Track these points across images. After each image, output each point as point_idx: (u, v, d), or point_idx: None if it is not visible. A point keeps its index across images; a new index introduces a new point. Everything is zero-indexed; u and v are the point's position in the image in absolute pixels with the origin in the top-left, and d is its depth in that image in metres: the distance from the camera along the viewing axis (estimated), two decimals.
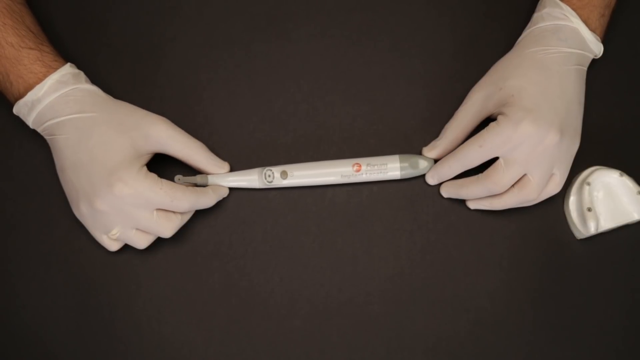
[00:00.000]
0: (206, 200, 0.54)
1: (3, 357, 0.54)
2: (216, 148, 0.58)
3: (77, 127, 0.52)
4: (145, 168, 0.53)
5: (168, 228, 0.53)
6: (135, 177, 0.51)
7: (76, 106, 0.52)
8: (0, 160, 0.58)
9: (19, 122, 0.57)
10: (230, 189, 0.57)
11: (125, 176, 0.51)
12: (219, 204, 0.57)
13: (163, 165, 0.57)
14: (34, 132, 0.55)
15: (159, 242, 0.56)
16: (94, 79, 0.56)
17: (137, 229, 0.53)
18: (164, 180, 0.52)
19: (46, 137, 0.54)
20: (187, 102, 0.59)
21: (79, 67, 0.55)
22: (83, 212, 0.52)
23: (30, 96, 0.52)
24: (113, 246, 0.54)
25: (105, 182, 0.51)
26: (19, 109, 0.53)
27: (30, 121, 0.53)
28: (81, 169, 0.52)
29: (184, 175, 0.54)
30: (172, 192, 0.52)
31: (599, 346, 0.55)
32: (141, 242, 0.54)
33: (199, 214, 0.57)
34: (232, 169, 0.57)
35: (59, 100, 0.52)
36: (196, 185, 0.55)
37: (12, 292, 0.55)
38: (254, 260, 0.56)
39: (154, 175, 0.52)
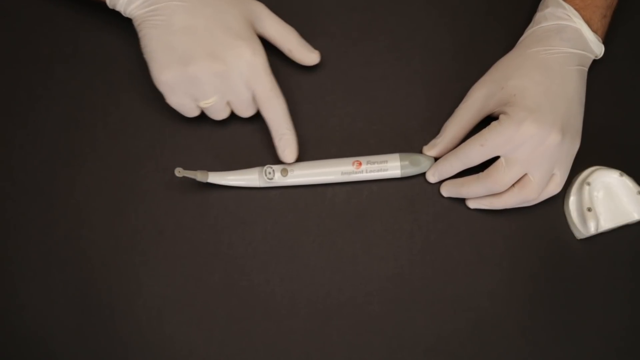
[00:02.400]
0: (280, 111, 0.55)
1: (3, 357, 0.54)
2: (216, 148, 0.58)
3: (186, 4, 0.52)
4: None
5: (248, 111, 0.55)
6: (259, 47, 0.53)
7: None
8: (0, 160, 0.58)
9: (19, 122, 0.57)
10: (231, 188, 0.57)
11: (251, 42, 0.52)
12: (218, 204, 0.57)
13: (163, 160, 0.57)
14: (34, 130, 0.55)
15: (159, 242, 0.56)
16: (95, 81, 0.56)
17: (229, 100, 0.54)
18: None
19: (145, 9, 0.53)
20: None
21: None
22: (183, 74, 0.52)
23: None
24: (194, 112, 0.55)
25: (231, 45, 0.52)
26: None
27: (132, 5, 0.53)
28: (197, 32, 0.52)
29: (184, 168, 0.54)
30: (275, 83, 0.54)
31: (599, 346, 0.55)
32: (224, 115, 0.56)
33: (199, 214, 0.57)
34: (231, 169, 0.57)
35: None
36: (196, 180, 0.55)
37: (12, 292, 0.55)
38: (254, 260, 0.56)
39: None
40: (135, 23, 0.54)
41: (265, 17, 0.56)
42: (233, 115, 0.59)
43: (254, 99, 0.54)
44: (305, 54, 0.57)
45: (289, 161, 0.56)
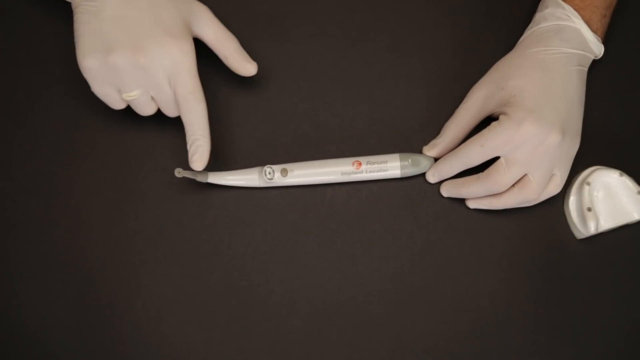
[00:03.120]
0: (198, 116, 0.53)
1: (3, 357, 0.54)
2: (216, 148, 0.58)
3: None
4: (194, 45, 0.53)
5: (172, 110, 0.54)
6: (189, 47, 0.52)
7: None
8: (0, 160, 0.58)
9: (19, 122, 0.57)
10: (230, 188, 0.57)
11: (180, 40, 0.51)
12: (218, 204, 0.57)
13: (162, 160, 0.57)
14: (32, 132, 0.55)
15: (158, 242, 0.56)
16: None
17: (152, 96, 0.53)
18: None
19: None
20: None
21: None
22: (105, 62, 0.51)
23: None
24: (119, 105, 0.54)
25: (159, 39, 0.51)
26: None
27: None
28: (127, 22, 0.51)
29: (183, 169, 0.54)
30: (198, 86, 0.52)
31: (599, 346, 0.55)
32: (149, 110, 0.54)
33: (198, 214, 0.57)
34: (231, 169, 0.57)
35: None
36: (196, 180, 0.55)
37: (12, 292, 0.55)
38: (254, 260, 0.56)
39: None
40: (72, 7, 0.53)
41: (205, 19, 0.54)
42: (233, 115, 0.59)
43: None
44: (241, 63, 0.56)
45: (198, 168, 0.54)
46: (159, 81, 0.52)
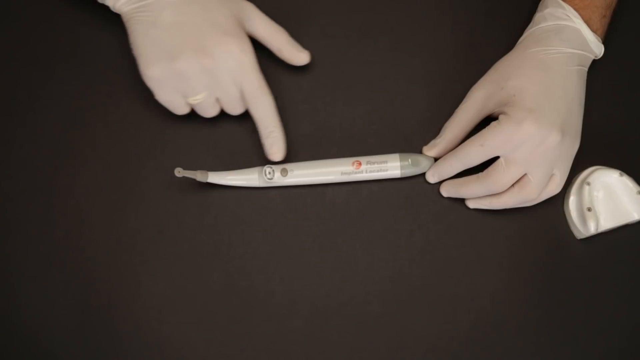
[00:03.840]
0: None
1: (3, 357, 0.54)
2: (216, 148, 0.58)
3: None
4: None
5: (237, 108, 0.55)
6: (248, 44, 0.53)
7: None
8: (0, 160, 0.58)
9: (19, 122, 0.57)
10: (230, 188, 0.57)
11: (239, 39, 0.52)
12: (218, 204, 0.57)
13: (163, 160, 0.57)
14: (34, 130, 0.55)
15: (158, 242, 0.56)
16: (95, 81, 0.56)
17: (217, 97, 0.54)
18: None
19: (133, 5, 0.53)
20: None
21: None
22: (171, 70, 0.52)
23: None
24: (184, 110, 0.55)
25: (220, 41, 0.52)
26: None
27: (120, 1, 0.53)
28: (185, 27, 0.52)
29: (183, 168, 0.54)
30: (263, 81, 0.54)
31: (599, 346, 0.55)
32: (213, 112, 0.55)
33: (199, 214, 0.57)
34: (231, 169, 0.57)
35: None
36: (196, 180, 0.55)
37: (12, 292, 0.55)
38: (254, 260, 0.56)
39: None
40: (124, 19, 0.54)
41: (255, 16, 0.56)
42: (233, 115, 0.59)
43: (242, 97, 0.55)
44: (295, 54, 0.57)
45: (277, 159, 0.56)
46: (225, 82, 0.53)
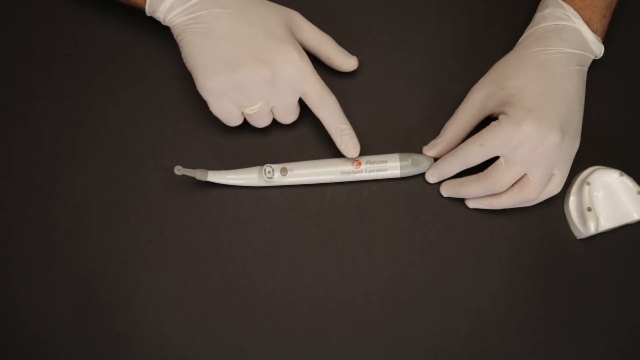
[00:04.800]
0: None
1: (3, 357, 0.54)
2: (216, 147, 0.58)
3: (231, 4, 0.53)
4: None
5: (290, 116, 0.56)
6: (302, 50, 0.53)
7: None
8: (0, 160, 0.58)
9: (19, 122, 0.57)
10: (230, 187, 0.57)
11: (295, 46, 0.53)
12: (218, 204, 0.57)
13: (162, 159, 0.57)
14: (34, 130, 0.55)
15: (158, 241, 0.56)
16: (95, 80, 0.55)
17: (273, 106, 0.54)
18: None
19: (186, 17, 0.53)
20: (188, 103, 0.59)
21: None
22: (231, 80, 0.52)
23: None
24: (238, 120, 0.55)
25: (277, 49, 0.52)
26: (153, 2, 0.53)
27: (173, 13, 0.53)
28: (241, 38, 0.52)
29: (184, 167, 0.54)
30: (323, 83, 0.54)
31: (599, 346, 0.55)
32: (267, 121, 0.56)
33: (198, 214, 0.57)
34: (232, 169, 0.57)
35: None
36: (195, 179, 0.55)
37: (12, 292, 0.55)
38: (254, 260, 0.56)
39: None
40: (175, 31, 0.54)
41: (303, 24, 0.56)
42: None
43: (298, 104, 0.55)
44: (344, 60, 0.58)
45: (354, 156, 0.55)
46: (284, 90, 0.53)
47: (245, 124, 0.57)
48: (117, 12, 0.61)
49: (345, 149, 0.55)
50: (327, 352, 0.54)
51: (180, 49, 0.54)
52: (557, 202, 0.58)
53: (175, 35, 0.54)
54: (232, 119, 0.55)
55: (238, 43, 0.52)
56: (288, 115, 0.56)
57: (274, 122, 0.58)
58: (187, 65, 0.53)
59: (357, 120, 0.59)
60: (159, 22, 0.55)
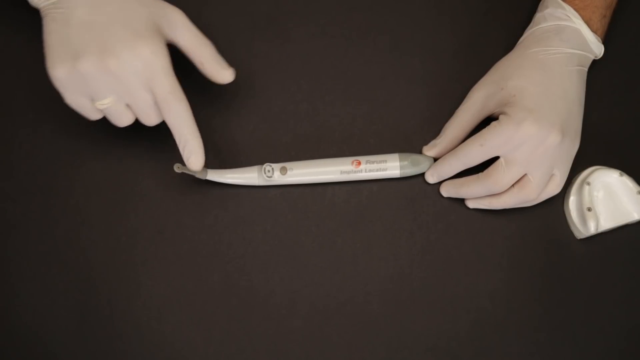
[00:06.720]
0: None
1: (3, 357, 0.54)
2: (216, 147, 0.58)
3: None
4: (167, 47, 0.50)
5: (150, 118, 0.51)
6: (160, 47, 0.49)
7: None
8: (0, 160, 0.58)
9: (19, 122, 0.57)
10: (230, 187, 0.57)
11: (151, 41, 0.49)
12: (218, 204, 0.57)
13: (162, 159, 0.57)
14: (35, 129, 0.54)
15: (158, 241, 0.56)
16: None
17: (127, 104, 0.51)
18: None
19: (47, 1, 0.50)
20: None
21: None
22: (74, 70, 0.49)
23: None
24: (95, 115, 0.52)
25: (128, 42, 0.48)
26: None
27: None
28: (94, 27, 0.49)
29: (183, 165, 0.54)
30: (177, 86, 0.50)
31: (599, 346, 0.55)
32: (126, 120, 0.52)
33: (198, 214, 0.57)
34: (232, 168, 0.57)
35: None
36: (195, 178, 0.55)
37: (12, 292, 0.55)
38: (254, 260, 0.56)
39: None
40: (41, 15, 0.51)
41: (180, 24, 0.52)
42: (233, 115, 0.59)
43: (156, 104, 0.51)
44: (219, 71, 0.53)
45: (196, 169, 0.52)
46: (132, 86, 0.49)
47: (245, 122, 0.57)
48: None
49: (187, 160, 0.52)
50: (327, 352, 0.54)
51: None
52: (557, 202, 0.58)
53: (42, 18, 0.51)
54: (87, 113, 0.51)
55: (89, 32, 0.49)
56: (147, 115, 0.51)
57: (274, 123, 0.58)
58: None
59: (357, 120, 0.59)
60: None
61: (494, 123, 0.54)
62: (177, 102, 0.50)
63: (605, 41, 0.57)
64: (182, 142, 0.52)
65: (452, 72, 0.60)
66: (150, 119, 0.52)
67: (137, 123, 0.58)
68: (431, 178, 0.57)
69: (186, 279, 0.56)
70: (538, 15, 0.58)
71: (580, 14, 0.55)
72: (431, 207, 0.58)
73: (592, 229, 0.55)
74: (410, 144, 0.59)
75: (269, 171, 0.56)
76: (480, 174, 0.55)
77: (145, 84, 0.50)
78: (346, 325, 0.55)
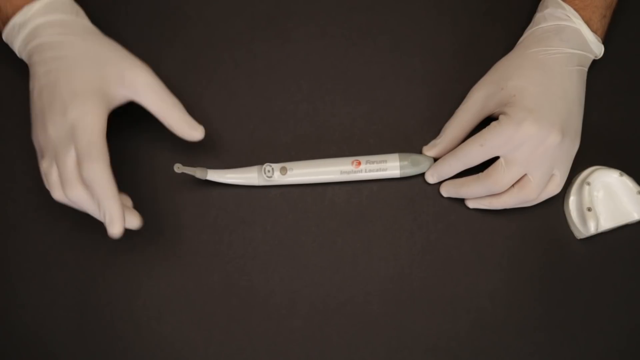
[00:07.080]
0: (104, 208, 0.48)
1: (3, 357, 0.54)
2: (216, 147, 0.58)
3: (54, 53, 0.49)
4: (106, 112, 0.49)
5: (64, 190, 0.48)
6: (91, 108, 0.47)
7: (60, 31, 0.50)
8: (1, 160, 0.58)
9: (19, 122, 0.57)
10: (230, 187, 0.57)
11: (82, 104, 0.47)
12: (218, 204, 0.57)
13: (162, 159, 0.57)
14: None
15: (158, 242, 0.56)
16: None
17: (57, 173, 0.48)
18: (106, 146, 0.48)
19: (29, 64, 0.52)
20: (187, 102, 0.59)
21: None
22: (35, 138, 0.50)
23: (18, 18, 0.50)
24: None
25: (61, 105, 0.48)
26: (7, 33, 0.52)
27: (16, 47, 0.52)
28: (45, 91, 0.49)
29: (183, 165, 0.54)
30: (97, 145, 0.47)
31: (599, 346, 0.55)
32: (55, 191, 0.49)
33: (198, 214, 0.57)
34: (232, 168, 0.57)
35: (44, 23, 0.50)
36: (195, 178, 0.55)
37: (12, 292, 0.55)
38: (254, 260, 0.56)
39: (105, 126, 0.48)
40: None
41: (141, 84, 0.51)
42: (233, 115, 0.59)
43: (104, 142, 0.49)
44: (187, 131, 0.52)
45: (114, 235, 0.48)
46: (58, 148, 0.48)
47: (245, 122, 0.57)
48: (117, 12, 0.61)
49: (107, 227, 0.48)
50: (327, 352, 0.54)
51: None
52: (557, 202, 0.58)
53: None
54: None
55: (44, 94, 0.49)
56: (69, 182, 0.48)
57: (274, 123, 0.58)
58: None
59: (357, 120, 0.59)
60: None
61: (494, 123, 0.54)
62: (92, 162, 0.47)
63: (605, 41, 0.57)
64: (100, 207, 0.48)
65: (452, 72, 0.60)
66: (57, 194, 0.49)
67: (137, 123, 0.58)
68: (431, 178, 0.57)
69: (186, 279, 0.56)
70: (538, 15, 0.58)
71: (580, 14, 0.55)
72: (431, 207, 0.58)
73: (592, 229, 0.55)
74: (410, 144, 0.59)
75: (269, 171, 0.56)
76: (480, 174, 0.55)
77: (68, 146, 0.48)
78: (346, 325, 0.55)
